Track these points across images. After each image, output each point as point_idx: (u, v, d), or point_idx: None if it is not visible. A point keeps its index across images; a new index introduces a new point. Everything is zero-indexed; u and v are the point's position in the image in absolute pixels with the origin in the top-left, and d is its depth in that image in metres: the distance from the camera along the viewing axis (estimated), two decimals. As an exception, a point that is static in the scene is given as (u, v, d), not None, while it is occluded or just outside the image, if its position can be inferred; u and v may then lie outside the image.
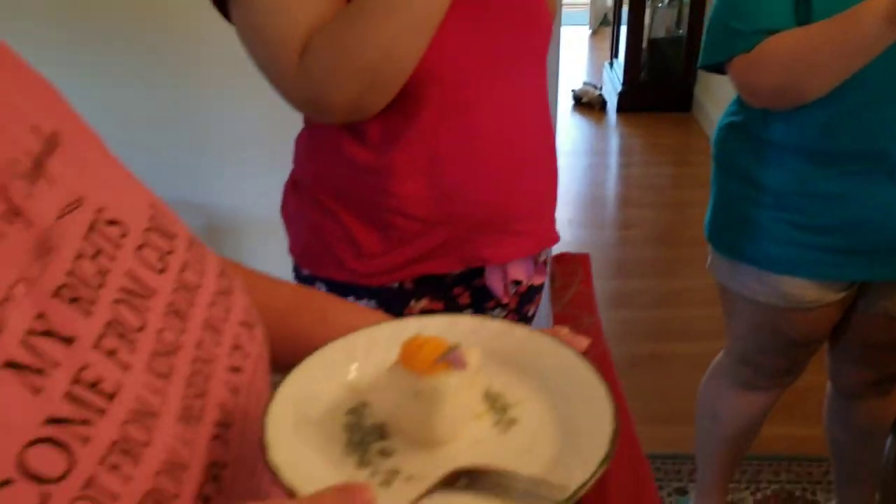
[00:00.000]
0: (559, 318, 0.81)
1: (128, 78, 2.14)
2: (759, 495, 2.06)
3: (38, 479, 0.38)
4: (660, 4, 4.86)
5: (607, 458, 0.41)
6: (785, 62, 1.25)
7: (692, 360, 2.55)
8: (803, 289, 1.43)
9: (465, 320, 0.54)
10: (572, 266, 0.88)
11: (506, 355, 0.52)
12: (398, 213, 1.05)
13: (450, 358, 0.44)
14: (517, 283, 1.17)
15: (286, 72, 0.94)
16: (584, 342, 0.59)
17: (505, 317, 1.19)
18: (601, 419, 0.44)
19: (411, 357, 0.45)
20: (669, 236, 3.48)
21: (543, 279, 1.22)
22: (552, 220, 1.20)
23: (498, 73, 1.05)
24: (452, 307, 1.16)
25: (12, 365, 0.39)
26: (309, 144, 1.12)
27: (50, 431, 0.39)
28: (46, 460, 0.38)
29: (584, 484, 0.40)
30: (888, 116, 1.26)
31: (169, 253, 0.53)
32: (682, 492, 2.07)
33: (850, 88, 1.23)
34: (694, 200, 3.74)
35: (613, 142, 4.78)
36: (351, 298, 1.10)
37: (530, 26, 1.09)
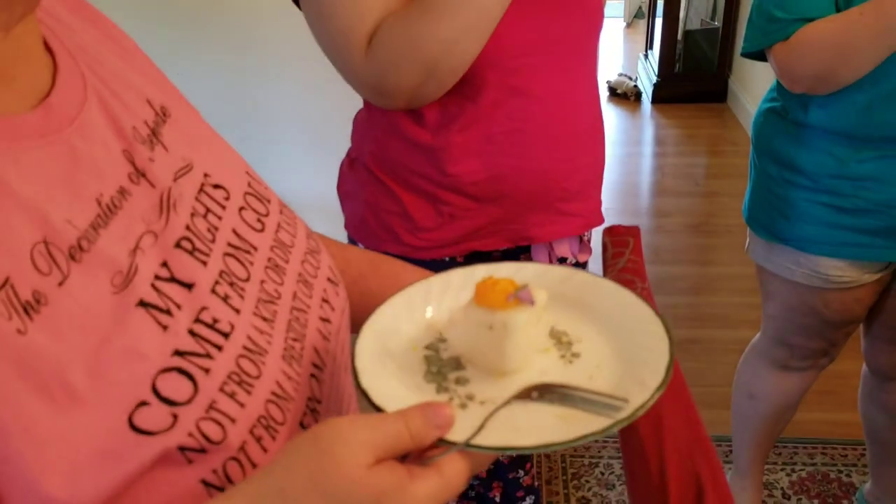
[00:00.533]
0: (615, 284, 0.86)
1: (185, 66, 2.22)
2: (794, 476, 2.09)
3: (169, 401, 0.44)
4: (694, -3, 4.87)
5: (664, 384, 0.46)
6: (823, 48, 1.28)
7: (727, 345, 2.58)
8: (839, 269, 1.46)
9: (532, 266, 0.60)
10: (624, 236, 0.92)
11: (569, 297, 0.58)
12: (451, 190, 1.10)
13: (520, 295, 0.49)
14: (563, 259, 1.22)
15: (352, 60, 1.00)
16: None
17: None
18: (659, 350, 0.49)
19: (485, 295, 0.50)
20: (704, 225, 3.49)
21: (588, 257, 1.27)
22: (598, 202, 1.25)
23: (551, 58, 1.09)
24: (499, 282, 1.21)
25: (144, 304, 0.46)
26: (367, 123, 1.18)
27: (177, 362, 0.45)
28: (175, 386, 0.45)
29: (644, 405, 0.45)
30: None
31: (265, 215, 0.60)
32: (718, 473, 2.10)
33: (887, 73, 1.26)
34: (728, 190, 3.75)
35: (648, 132, 4.78)
36: (405, 271, 1.16)
37: (583, 13, 1.13)
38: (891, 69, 1.25)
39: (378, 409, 0.47)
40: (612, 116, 4.89)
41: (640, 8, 6.85)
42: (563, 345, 0.54)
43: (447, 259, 1.15)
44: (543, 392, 0.48)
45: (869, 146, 1.36)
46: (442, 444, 0.44)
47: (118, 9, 2.25)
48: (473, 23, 0.96)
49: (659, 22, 4.93)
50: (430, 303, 0.59)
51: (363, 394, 0.48)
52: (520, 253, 1.19)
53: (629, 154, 4.46)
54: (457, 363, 0.53)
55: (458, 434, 0.44)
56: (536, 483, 1.97)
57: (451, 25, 0.95)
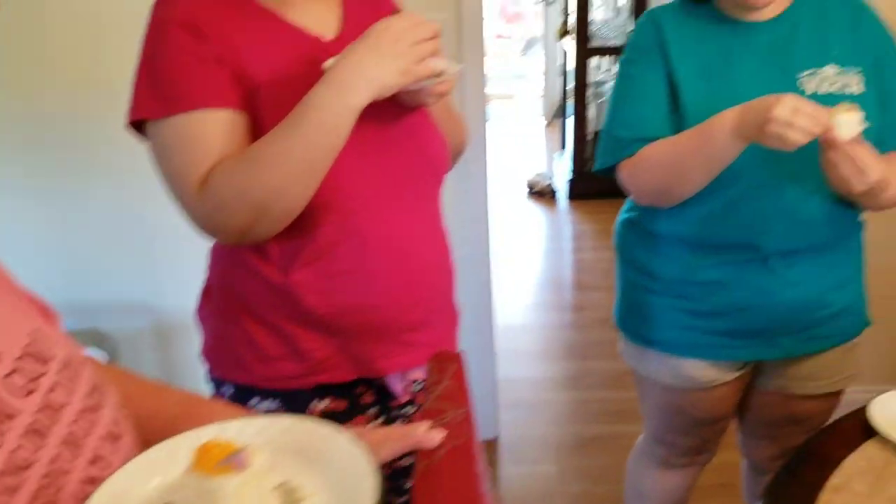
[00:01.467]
0: (426, 413, 0.88)
1: (89, 201, 2.29)
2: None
3: None
4: (602, 99, 5.08)
5: None
6: (659, 167, 1.38)
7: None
8: (700, 370, 1.52)
9: (283, 421, 0.62)
10: (445, 363, 0.95)
11: (311, 451, 0.60)
12: (296, 323, 1.13)
13: (233, 460, 0.52)
14: (418, 381, 1.24)
15: (185, 198, 1.06)
16: (436, 437, 0.69)
17: (415, 412, 1.25)
18: None
19: (199, 460, 0.53)
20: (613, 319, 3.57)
21: None
22: (448, 331, 1.29)
23: (391, 199, 1.14)
24: (356, 406, 1.21)
25: None
26: (218, 255, 1.22)
27: None
28: None
29: None
30: (758, 212, 1.37)
31: (41, 375, 0.61)
32: (624, 572, 2.10)
33: (723, 186, 1.35)
34: (642, 283, 3.85)
35: (566, 228, 4.93)
36: (256, 399, 1.17)
37: (424, 158, 1.19)
38: (724, 183, 1.34)
39: None
40: (532, 214, 5.05)
41: (559, 107, 7.11)
42: (294, 501, 0.57)
43: (297, 390, 1.17)
44: None
45: (711, 253, 1.44)
46: None
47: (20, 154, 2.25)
48: (298, 173, 1.01)
49: (571, 122, 5.13)
50: (174, 462, 0.60)
51: None
52: (374, 379, 1.21)
53: (551, 249, 4.59)
54: None
55: None
56: None
57: (278, 175, 1.00)
